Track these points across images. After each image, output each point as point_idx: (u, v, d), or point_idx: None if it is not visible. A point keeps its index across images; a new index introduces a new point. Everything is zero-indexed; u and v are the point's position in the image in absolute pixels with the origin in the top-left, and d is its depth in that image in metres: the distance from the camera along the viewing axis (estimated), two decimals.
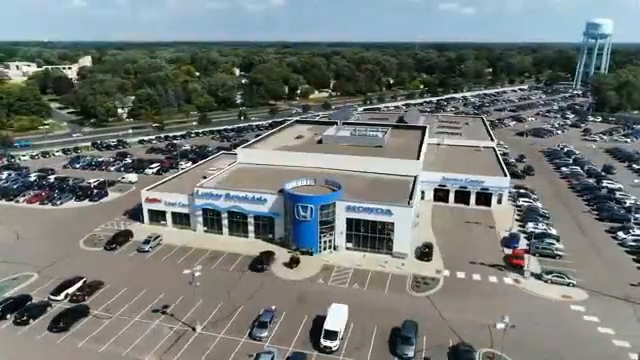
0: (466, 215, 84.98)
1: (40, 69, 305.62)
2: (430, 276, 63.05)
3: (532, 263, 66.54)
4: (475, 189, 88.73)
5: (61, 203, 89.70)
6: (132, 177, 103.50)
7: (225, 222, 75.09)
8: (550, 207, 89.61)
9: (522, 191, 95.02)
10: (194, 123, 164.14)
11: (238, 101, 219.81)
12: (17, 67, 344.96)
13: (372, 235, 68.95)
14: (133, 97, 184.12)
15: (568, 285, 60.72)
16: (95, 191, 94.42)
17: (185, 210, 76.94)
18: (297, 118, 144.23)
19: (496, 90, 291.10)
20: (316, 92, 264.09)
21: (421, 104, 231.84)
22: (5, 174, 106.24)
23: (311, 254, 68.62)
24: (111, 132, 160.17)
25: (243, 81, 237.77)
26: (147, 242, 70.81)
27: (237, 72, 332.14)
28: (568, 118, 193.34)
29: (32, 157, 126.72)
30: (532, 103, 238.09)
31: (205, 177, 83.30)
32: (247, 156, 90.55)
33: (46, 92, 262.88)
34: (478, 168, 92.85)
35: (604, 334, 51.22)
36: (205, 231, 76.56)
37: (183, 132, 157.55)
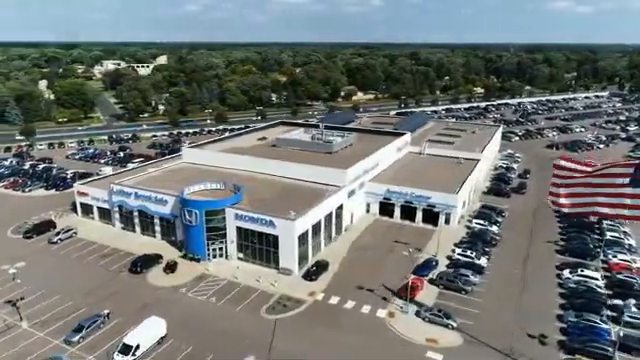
0: (403, 233, 76.57)
1: (114, 67, 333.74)
2: (297, 298, 57.43)
3: (430, 296, 58.24)
4: (422, 205, 79.60)
5: (29, 190, 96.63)
6: (107, 170, 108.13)
7: (136, 220, 75.33)
8: (510, 232, 77.61)
9: (486, 211, 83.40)
10: (208, 121, 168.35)
11: (275, 101, 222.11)
12: (107, 66, 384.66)
13: (260, 247, 64.70)
14: (167, 94, 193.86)
15: (447, 327, 51.65)
16: (67, 181, 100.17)
17: (107, 206, 78.52)
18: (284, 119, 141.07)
19: (564, 96, 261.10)
20: (360, 94, 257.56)
21: (456, 109, 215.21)
22: (8, 161, 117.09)
23: (198, 261, 66.17)
24: (142, 126, 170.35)
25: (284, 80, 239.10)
26: (58, 234, 73.39)
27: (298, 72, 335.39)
28: (628, 130, 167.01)
29: (50, 146, 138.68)
30: (597, 112, 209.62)
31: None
32: (191, 156, 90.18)
33: (115, 88, 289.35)
34: (435, 182, 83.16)
35: None
36: (122, 228, 77.51)
37: (197, 129, 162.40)
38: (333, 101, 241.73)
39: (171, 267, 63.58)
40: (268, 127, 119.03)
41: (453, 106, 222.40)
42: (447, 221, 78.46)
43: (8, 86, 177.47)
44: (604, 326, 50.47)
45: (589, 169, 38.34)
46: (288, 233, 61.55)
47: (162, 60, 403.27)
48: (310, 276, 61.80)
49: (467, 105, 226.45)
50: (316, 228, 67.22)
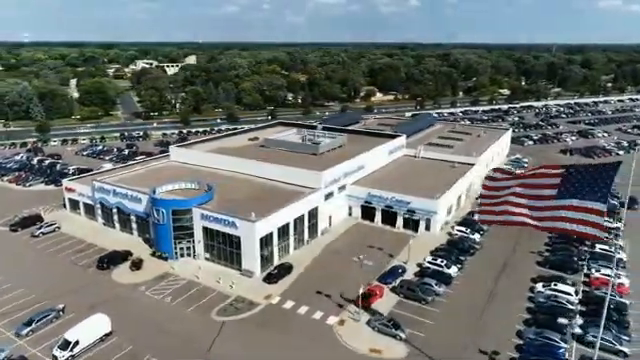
0: (380, 238, 74.57)
1: (140, 67, 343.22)
2: (252, 300, 56.86)
3: (389, 304, 56.40)
4: (402, 210, 77.37)
5: (30, 185, 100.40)
6: (107, 166, 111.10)
7: (116, 217, 76.75)
8: (494, 241, 74.24)
9: (471, 218, 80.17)
10: (218, 120, 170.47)
11: (291, 100, 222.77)
12: (139, 65, 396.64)
13: (225, 248, 64.54)
14: (183, 93, 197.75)
15: (395, 337, 49.77)
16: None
17: (91, 202, 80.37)
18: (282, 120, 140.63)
19: (594, 99, 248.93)
20: (380, 94, 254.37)
21: (475, 112, 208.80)
22: (19, 156, 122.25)
23: (166, 259, 66.66)
24: (156, 124, 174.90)
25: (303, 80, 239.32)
26: (40, 228, 75.74)
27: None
28: None
29: (63, 142, 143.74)
30: (626, 116, 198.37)
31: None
32: (179, 155, 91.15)
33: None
34: (421, 187, 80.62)
35: None
36: (103, 224, 79.19)
37: (207, 128, 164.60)
38: (351, 101, 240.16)
39: (136, 265, 64.27)
40: (266, 127, 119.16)
41: (473, 108, 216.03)
42: (427, 227, 75.99)
43: (33, 84, 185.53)
44: (562, 344, 47.27)
45: (518, 180, 35.63)
46: (249, 234, 61.11)
47: (192, 60, 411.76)
48: (271, 279, 61.11)
49: (488, 107, 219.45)
50: (283, 230, 66.44)
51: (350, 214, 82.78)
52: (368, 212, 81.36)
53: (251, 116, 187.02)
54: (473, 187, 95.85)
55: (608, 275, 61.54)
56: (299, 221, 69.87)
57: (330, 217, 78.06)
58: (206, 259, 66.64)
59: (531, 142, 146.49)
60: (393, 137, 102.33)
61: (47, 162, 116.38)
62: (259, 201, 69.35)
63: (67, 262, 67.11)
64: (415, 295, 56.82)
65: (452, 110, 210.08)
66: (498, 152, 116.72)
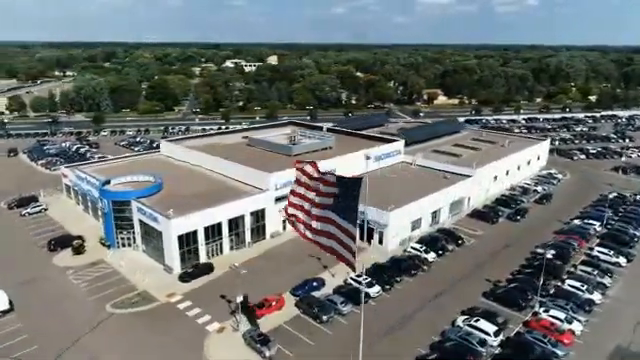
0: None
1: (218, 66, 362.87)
2: (153, 296, 57.01)
3: (284, 317, 53.01)
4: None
5: (54, 170, 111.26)
6: None
7: (89, 204, 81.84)
8: (452, 263, 66.17)
9: (438, 236, 72.20)
10: (257, 118, 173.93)
11: (345, 101, 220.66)
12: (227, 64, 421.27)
13: (155, 242, 65.48)
14: (237, 92, 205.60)
15: (259, 353, 46.52)
16: None
17: (76, 188, 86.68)
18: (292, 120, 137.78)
19: None
20: (442, 97, 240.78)
21: (538, 120, 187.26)
22: (63, 144, 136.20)
23: (109, 247, 69.51)
24: (198, 120, 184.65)
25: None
26: (27, 209, 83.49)
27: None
28: None
29: (112, 133, 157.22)
30: None
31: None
32: (167, 149, 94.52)
33: None
34: (390, 197, 74.41)
35: None
36: (83, 210, 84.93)
37: (245, 125, 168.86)
38: (411, 104, 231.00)
39: (77, 250, 67.76)
40: (276, 126, 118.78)
41: (539, 116, 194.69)
42: (380, 241, 70.02)
43: (107, 79, 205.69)
44: None
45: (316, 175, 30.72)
46: (168, 231, 61.30)
47: (273, 59, 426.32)
48: (184, 277, 60.72)
49: (559, 115, 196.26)
50: (213, 230, 65.62)
51: None
52: None
53: (292, 115, 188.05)
54: (469, 201, 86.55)
55: (556, 318, 51.62)
56: (237, 222, 68.53)
57: (284, 221, 75.38)
58: (143, 251, 68.31)
59: (583, 156, 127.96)
60: (389, 142, 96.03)
61: (82, 150, 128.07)
62: (206, 198, 69.16)
63: (30, 242, 72.96)
64: (311, 312, 52.58)
65: (514, 117, 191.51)
66: (520, 165, 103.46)
